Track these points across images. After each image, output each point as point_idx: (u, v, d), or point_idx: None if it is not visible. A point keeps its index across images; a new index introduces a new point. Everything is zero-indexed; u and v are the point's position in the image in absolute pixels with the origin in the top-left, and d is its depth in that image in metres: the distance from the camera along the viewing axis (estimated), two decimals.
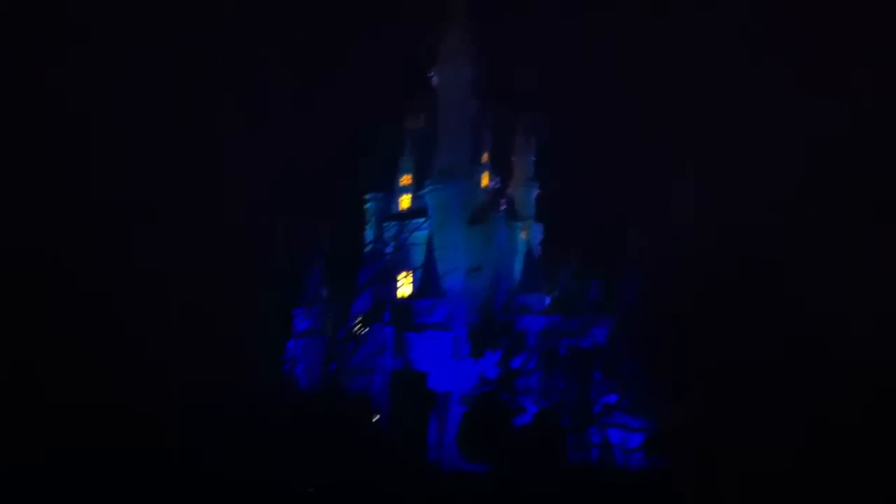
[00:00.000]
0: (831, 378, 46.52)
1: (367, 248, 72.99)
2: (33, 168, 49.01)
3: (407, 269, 70.75)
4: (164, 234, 58.21)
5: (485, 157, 77.29)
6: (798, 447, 44.19)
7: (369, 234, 75.41)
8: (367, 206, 76.89)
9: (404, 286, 70.66)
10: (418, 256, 69.76)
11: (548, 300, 68.61)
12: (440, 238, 70.10)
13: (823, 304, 49.41)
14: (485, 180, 76.68)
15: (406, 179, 76.37)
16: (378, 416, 60.02)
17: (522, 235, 75.35)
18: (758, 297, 51.58)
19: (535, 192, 78.12)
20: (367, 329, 63.99)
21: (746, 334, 50.84)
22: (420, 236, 71.12)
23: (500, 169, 78.56)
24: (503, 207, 75.82)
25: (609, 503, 46.65)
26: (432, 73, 76.72)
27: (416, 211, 74.09)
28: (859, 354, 46.71)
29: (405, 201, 75.88)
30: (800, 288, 50.87)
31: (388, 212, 75.81)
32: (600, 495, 47.19)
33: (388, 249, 71.32)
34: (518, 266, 72.62)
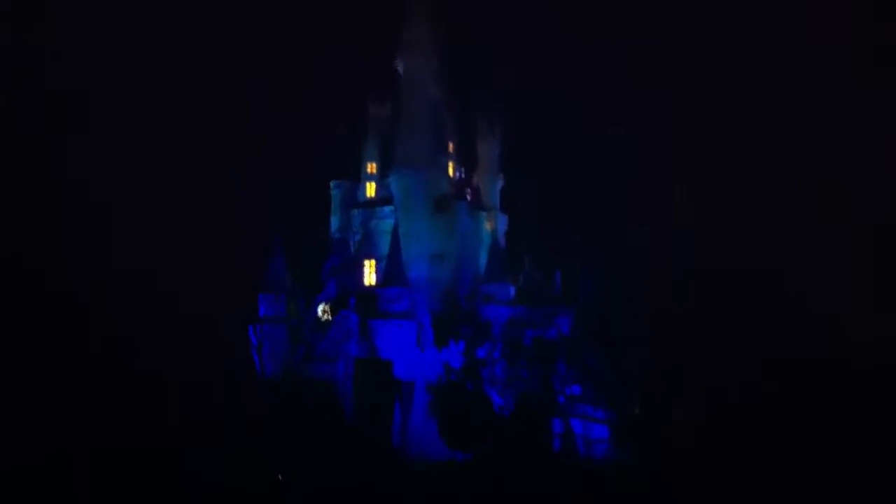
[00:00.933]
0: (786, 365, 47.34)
1: (333, 236, 72.83)
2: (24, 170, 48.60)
3: (373, 257, 70.70)
4: (125, 223, 57.76)
5: (450, 146, 77.55)
6: (764, 442, 44.96)
7: (334, 221, 75.13)
8: (332, 193, 76.56)
9: (369, 274, 70.65)
10: (384, 244, 69.71)
11: (513, 290, 69.12)
12: (405, 226, 70.08)
13: (796, 296, 50.22)
14: (450, 169, 76.95)
15: (371, 167, 76.17)
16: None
17: (487, 226, 75.75)
18: (723, 291, 52.34)
19: (501, 183, 78.57)
20: (332, 316, 64.06)
21: (709, 327, 51.61)
22: (386, 224, 71.16)
23: (466, 159, 78.86)
24: (468, 197, 76.18)
25: (580, 490, 47.33)
26: (397, 62, 76.52)
27: (382, 199, 73.99)
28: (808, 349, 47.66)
29: (370, 189, 75.71)
30: (770, 282, 51.69)
31: (354, 199, 75.54)
32: (573, 482, 47.93)
33: (355, 237, 71.25)
34: (483, 256, 73.05)
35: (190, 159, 63.30)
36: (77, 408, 43.42)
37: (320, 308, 66.31)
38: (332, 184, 76.38)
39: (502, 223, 77.37)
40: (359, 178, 76.28)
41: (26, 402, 42.56)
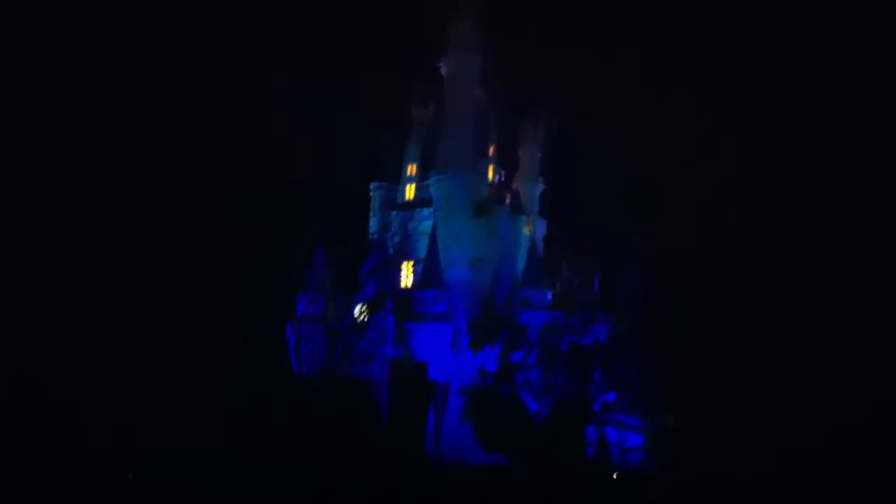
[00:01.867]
0: (832, 380, 46.70)
1: (372, 237, 73.10)
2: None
3: (410, 258, 70.91)
4: (165, 219, 58.30)
5: (491, 149, 77.62)
6: (798, 449, 44.44)
7: (374, 223, 75.46)
8: (373, 194, 76.88)
9: (407, 276, 70.90)
10: (422, 247, 69.94)
11: (550, 296, 68.99)
12: (444, 229, 70.33)
13: (826, 303, 49.55)
14: (490, 173, 77.00)
15: (412, 169, 76.42)
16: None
17: (526, 230, 75.67)
18: (760, 296, 51.75)
19: (540, 188, 78.46)
20: (369, 317, 64.26)
21: (748, 335, 51.01)
22: (424, 226, 71.32)
23: (506, 162, 78.91)
24: (508, 201, 76.16)
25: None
26: (441, 64, 76.70)
27: (421, 201, 74.22)
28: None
29: (410, 191, 75.95)
30: (801, 287, 51.01)
31: (394, 201, 75.82)
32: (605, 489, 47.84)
33: (394, 239, 71.47)
34: (521, 260, 72.99)
35: (229, 159, 63.83)
36: (106, 407, 44.06)
37: (357, 309, 66.60)
38: (372, 185, 76.71)
39: (541, 228, 77.28)
40: (399, 180, 76.53)
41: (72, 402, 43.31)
